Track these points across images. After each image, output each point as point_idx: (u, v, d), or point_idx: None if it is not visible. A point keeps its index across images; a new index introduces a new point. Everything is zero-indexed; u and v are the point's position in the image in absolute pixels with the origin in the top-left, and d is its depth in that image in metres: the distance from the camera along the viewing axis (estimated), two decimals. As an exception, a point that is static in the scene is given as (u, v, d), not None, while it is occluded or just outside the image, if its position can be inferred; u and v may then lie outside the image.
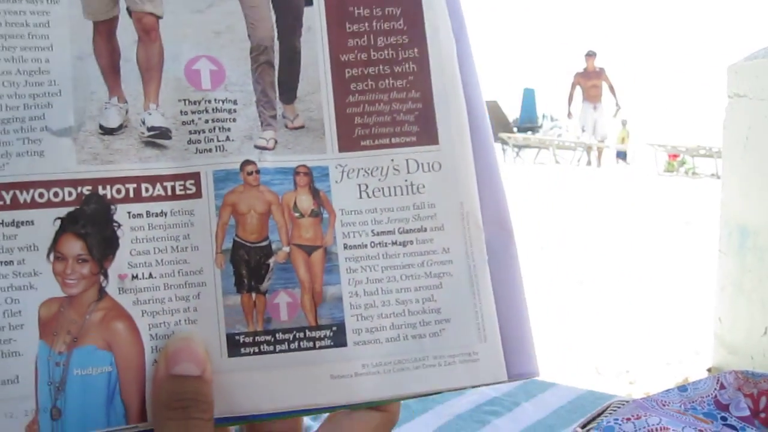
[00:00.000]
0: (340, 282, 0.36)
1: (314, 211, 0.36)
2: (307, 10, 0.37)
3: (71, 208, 0.33)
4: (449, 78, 0.38)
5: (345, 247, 0.36)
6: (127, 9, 0.35)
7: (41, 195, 0.33)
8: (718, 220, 2.35)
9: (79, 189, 0.34)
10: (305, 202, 0.36)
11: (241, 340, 0.34)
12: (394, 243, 0.36)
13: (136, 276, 0.34)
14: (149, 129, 0.35)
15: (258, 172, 0.36)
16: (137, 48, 0.35)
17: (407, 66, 0.38)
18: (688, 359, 2.61)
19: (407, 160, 0.37)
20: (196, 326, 0.34)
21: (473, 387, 0.37)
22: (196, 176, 0.35)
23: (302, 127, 0.37)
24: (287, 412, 0.35)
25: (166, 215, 0.34)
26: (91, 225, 0.33)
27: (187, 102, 0.36)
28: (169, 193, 0.35)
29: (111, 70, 0.35)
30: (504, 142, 13.31)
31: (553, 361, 2.57)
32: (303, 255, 0.36)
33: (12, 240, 0.32)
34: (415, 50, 0.38)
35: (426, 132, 0.38)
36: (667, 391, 0.74)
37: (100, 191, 0.34)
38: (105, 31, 0.35)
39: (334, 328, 0.35)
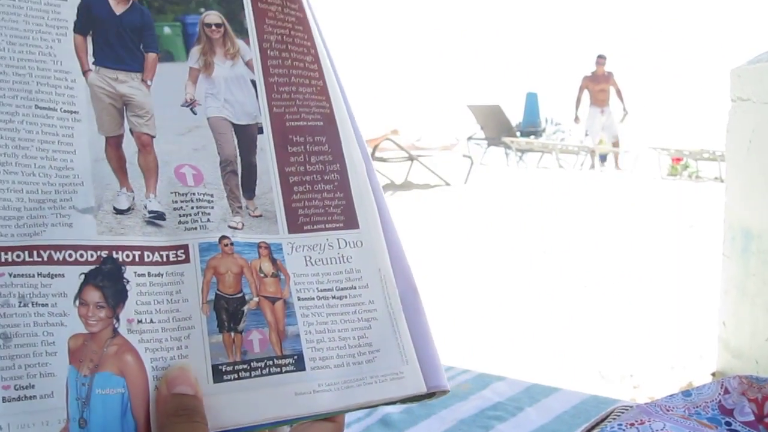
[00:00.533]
0: (297, 323, 0.47)
1: (274, 273, 0.48)
2: (259, 137, 0.51)
3: (92, 267, 0.43)
4: (362, 184, 0.53)
5: (299, 299, 0.48)
6: (130, 129, 0.47)
7: (70, 255, 0.42)
8: (722, 223, 2.34)
9: (99, 253, 0.43)
10: (267, 267, 0.48)
11: (224, 369, 0.44)
12: (333, 297, 0.49)
13: (141, 321, 0.43)
14: (150, 212, 0.46)
15: (232, 244, 0.47)
16: (138, 156, 0.47)
17: (332, 176, 0.52)
18: (692, 363, 2.60)
19: (338, 239, 0.51)
20: (188, 359, 0.43)
21: (401, 400, 0.49)
22: (185, 247, 0.46)
23: (261, 215, 0.49)
24: (263, 424, 0.44)
25: (162, 275, 0.45)
26: (107, 280, 0.43)
27: (177, 194, 0.47)
28: (165, 259, 0.45)
29: (120, 170, 0.46)
30: (507, 147, 13.30)
31: (557, 366, 2.57)
32: (269, 304, 0.47)
33: (48, 287, 0.41)
34: (337, 165, 0.53)
35: (349, 220, 0.52)
36: (671, 396, 0.74)
37: (114, 255, 0.44)
38: (114, 144, 0.47)
39: (296, 357, 0.46)
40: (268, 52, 0.53)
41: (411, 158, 8.27)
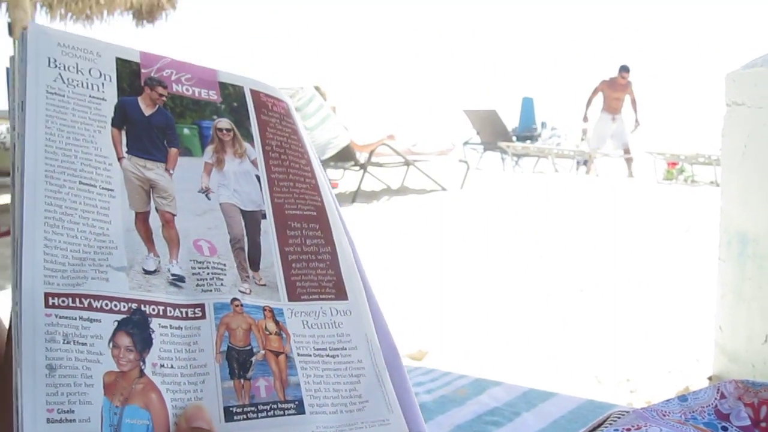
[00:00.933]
0: (297, 374, 0.54)
1: (277, 332, 0.56)
2: (263, 221, 0.61)
3: (124, 316, 0.50)
4: (349, 264, 0.62)
5: (298, 355, 0.56)
6: (156, 207, 0.56)
7: (106, 304, 0.49)
8: (718, 227, 2.35)
9: (130, 305, 0.51)
10: (271, 326, 0.56)
11: (234, 410, 0.51)
12: (327, 355, 0.57)
13: (163, 365, 0.50)
14: (172, 275, 0.54)
15: (242, 305, 0.55)
16: (162, 229, 0.55)
17: (325, 256, 0.62)
18: (688, 367, 2.60)
19: (330, 308, 0.59)
20: (203, 401, 0.50)
21: None
22: (202, 306, 0.54)
23: (265, 285, 0.58)
24: None
25: (182, 329, 0.52)
26: (136, 328, 0.50)
27: (195, 262, 0.56)
28: (184, 315, 0.53)
29: (148, 239, 0.54)
30: (503, 151, 13.31)
31: (554, 370, 2.57)
32: (273, 356, 0.54)
33: (87, 330, 0.48)
34: (329, 248, 0.62)
35: (339, 293, 0.61)
36: (667, 401, 0.74)
37: (142, 308, 0.51)
38: (142, 218, 0.55)
39: (296, 402, 0.53)
40: (270, 154, 0.64)
41: (407, 163, 8.27)
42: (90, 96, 0.57)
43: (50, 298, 0.48)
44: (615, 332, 3.04)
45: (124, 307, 0.50)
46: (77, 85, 0.56)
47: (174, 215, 0.57)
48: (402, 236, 5.45)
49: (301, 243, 0.61)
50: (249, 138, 0.63)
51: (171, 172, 0.58)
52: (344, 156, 7.74)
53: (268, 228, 0.61)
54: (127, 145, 0.57)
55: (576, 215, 6.52)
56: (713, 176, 9.80)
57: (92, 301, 0.49)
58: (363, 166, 7.85)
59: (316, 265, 0.61)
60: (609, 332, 3.03)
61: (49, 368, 0.45)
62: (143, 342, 0.50)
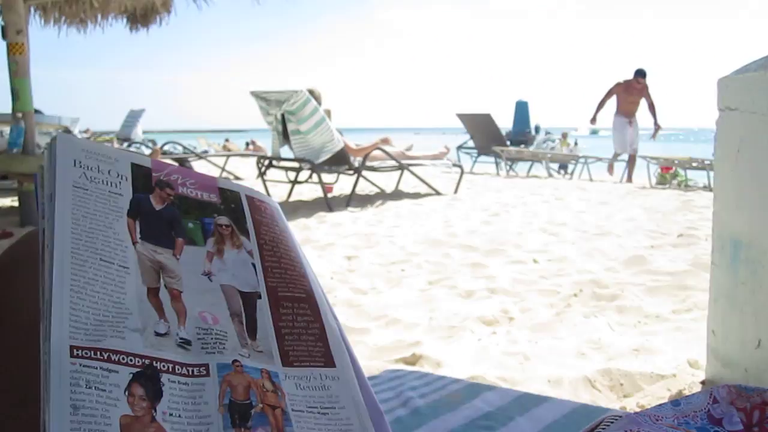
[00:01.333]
0: (293, 426, 0.62)
1: (274, 390, 0.63)
2: (259, 301, 0.70)
3: (138, 369, 0.57)
4: (336, 338, 0.72)
5: (292, 410, 0.63)
6: (165, 285, 0.64)
7: (123, 359, 0.57)
8: (711, 232, 2.35)
9: (143, 360, 0.58)
10: (268, 385, 0.64)
11: None
12: (319, 412, 0.65)
13: (172, 414, 0.57)
14: (180, 338, 0.62)
15: (242, 366, 0.63)
16: (171, 302, 0.64)
17: (314, 331, 0.71)
18: (681, 372, 2.61)
19: (320, 374, 0.68)
20: None
21: None
22: (206, 366, 0.61)
23: (262, 351, 0.66)
24: None
25: (188, 384, 0.60)
26: (148, 381, 0.57)
27: (200, 329, 0.64)
28: (191, 373, 0.60)
29: (159, 309, 0.63)
30: (497, 156, 13.33)
31: (547, 375, 2.57)
32: (270, 410, 0.62)
33: (106, 378, 0.55)
34: (317, 324, 0.72)
35: (328, 361, 0.70)
36: (660, 405, 0.74)
37: (154, 364, 0.58)
38: (153, 293, 0.63)
39: None
40: (264, 246, 0.74)
41: (401, 167, 8.28)
42: (109, 191, 0.66)
43: (75, 350, 0.55)
44: (608, 336, 3.04)
45: (138, 362, 0.58)
46: (98, 182, 0.66)
47: (181, 292, 0.65)
48: (396, 240, 5.45)
49: (292, 320, 0.70)
50: (245, 233, 0.73)
51: (178, 257, 0.67)
52: (338, 160, 7.75)
53: (263, 306, 0.70)
54: (140, 232, 0.66)
55: (569, 219, 6.53)
56: (707, 180, 9.83)
57: (111, 354, 0.57)
58: (357, 170, 7.85)
59: (306, 338, 0.70)
60: (602, 336, 3.03)
61: (73, 408, 0.52)
62: (154, 393, 0.57)
